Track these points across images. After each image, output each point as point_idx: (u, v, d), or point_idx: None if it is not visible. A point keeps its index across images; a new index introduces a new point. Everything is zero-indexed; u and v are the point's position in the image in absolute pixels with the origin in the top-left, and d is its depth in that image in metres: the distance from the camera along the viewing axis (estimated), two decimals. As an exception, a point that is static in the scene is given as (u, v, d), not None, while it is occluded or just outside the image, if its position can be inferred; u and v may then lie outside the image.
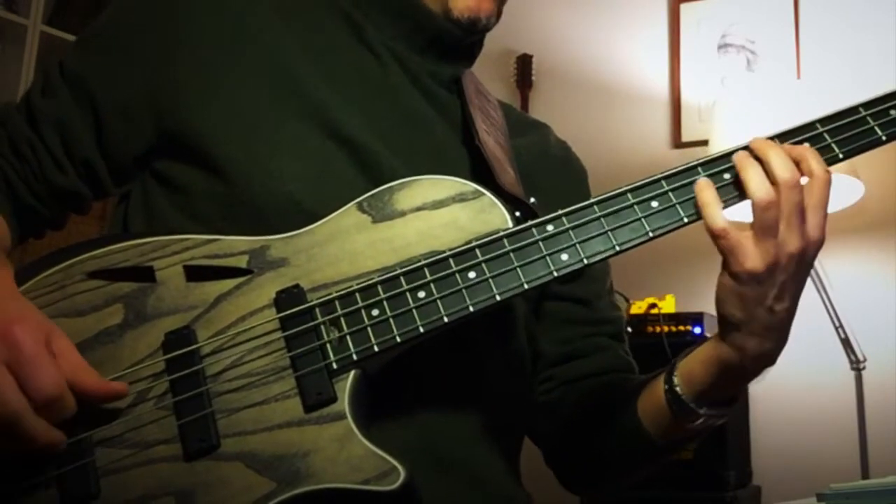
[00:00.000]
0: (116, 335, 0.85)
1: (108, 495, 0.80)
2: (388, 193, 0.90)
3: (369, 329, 0.84)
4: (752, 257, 0.84)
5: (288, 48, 1.00)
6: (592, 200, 0.88)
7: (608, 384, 1.06)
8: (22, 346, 0.76)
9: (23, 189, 0.97)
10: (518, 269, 0.86)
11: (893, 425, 2.39)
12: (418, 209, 0.89)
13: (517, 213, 0.92)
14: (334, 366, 0.83)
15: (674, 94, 3.00)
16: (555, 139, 1.21)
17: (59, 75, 1.00)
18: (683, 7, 3.03)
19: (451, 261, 0.86)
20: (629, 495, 1.61)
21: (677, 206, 0.88)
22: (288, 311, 0.85)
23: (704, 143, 2.60)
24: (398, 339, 0.84)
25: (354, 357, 0.83)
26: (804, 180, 0.86)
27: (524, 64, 3.18)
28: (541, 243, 0.87)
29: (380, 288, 0.85)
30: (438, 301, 0.85)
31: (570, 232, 0.87)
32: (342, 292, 0.86)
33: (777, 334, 0.88)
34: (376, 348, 0.84)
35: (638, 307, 2.47)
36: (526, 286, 0.85)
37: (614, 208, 0.88)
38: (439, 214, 0.89)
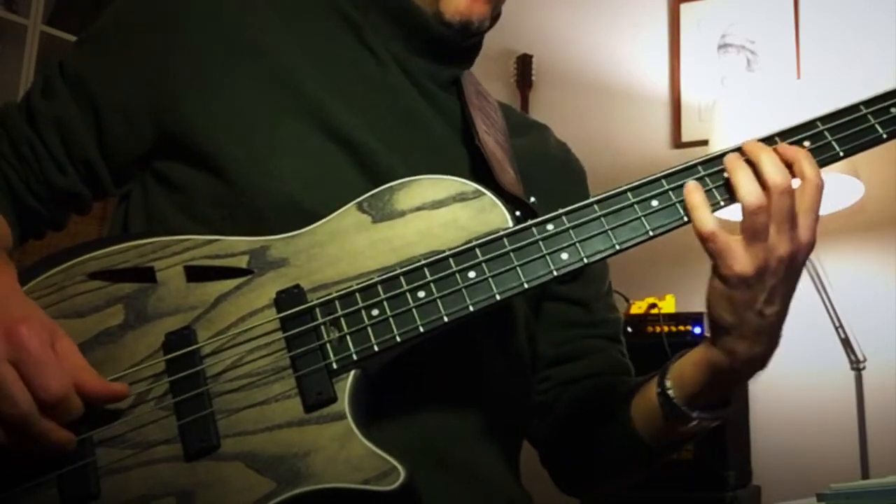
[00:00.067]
0: (117, 336, 0.85)
1: (108, 495, 0.80)
2: (388, 193, 0.90)
3: (369, 329, 0.84)
4: (742, 261, 0.83)
5: (287, 49, 1.01)
6: (592, 199, 0.88)
7: (602, 386, 1.06)
8: (28, 346, 0.76)
9: (23, 190, 0.97)
10: (518, 269, 0.86)
11: (893, 425, 2.39)
12: (418, 209, 0.89)
13: (517, 213, 0.92)
14: (334, 366, 0.83)
15: (674, 94, 2.99)
16: (554, 140, 1.21)
17: (60, 76, 1.00)
18: (683, 7, 3.03)
19: (451, 260, 0.86)
20: (629, 495, 1.60)
21: (677, 204, 0.87)
22: (288, 312, 0.85)
23: (704, 143, 2.60)
24: (398, 339, 0.84)
25: (354, 357, 0.83)
26: (796, 183, 0.85)
27: (524, 64, 3.18)
28: (541, 243, 0.87)
29: (380, 288, 0.86)
30: (438, 301, 0.85)
31: (570, 231, 0.87)
32: (342, 292, 0.86)
33: (767, 338, 0.87)
34: (376, 348, 0.84)
35: (638, 307, 2.47)
36: (526, 285, 0.85)
37: (614, 207, 0.88)
38: (439, 214, 0.89)
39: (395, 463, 0.78)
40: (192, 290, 0.87)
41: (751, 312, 0.85)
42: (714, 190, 0.88)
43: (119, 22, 1.03)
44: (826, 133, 0.91)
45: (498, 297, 0.85)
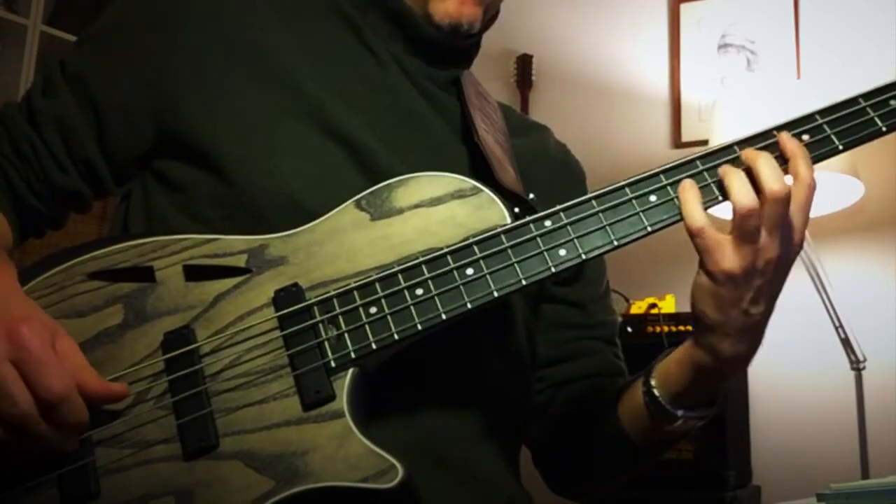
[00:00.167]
0: (116, 335, 0.85)
1: (107, 495, 0.80)
2: (386, 191, 0.90)
3: (367, 327, 0.84)
4: (730, 259, 0.83)
5: (287, 48, 1.01)
6: (591, 195, 0.88)
7: (594, 387, 1.06)
8: (29, 345, 0.76)
9: (24, 188, 0.97)
10: (516, 266, 0.86)
11: (893, 425, 2.39)
12: (416, 206, 0.89)
13: (516, 210, 0.92)
14: (332, 364, 0.83)
15: (674, 94, 2.99)
16: (554, 141, 1.21)
17: (60, 75, 1.01)
18: (683, 7, 3.03)
19: (448, 258, 0.86)
20: (629, 495, 1.60)
21: (675, 200, 0.87)
22: (286, 310, 0.85)
23: (704, 143, 2.60)
24: (396, 337, 0.84)
25: (352, 355, 0.83)
26: (788, 180, 0.85)
27: (524, 64, 3.18)
28: (538, 239, 0.87)
29: (378, 286, 0.85)
30: (436, 298, 0.85)
31: (568, 227, 0.87)
32: (340, 290, 0.86)
33: (751, 336, 0.87)
34: (374, 346, 0.84)
35: (638, 307, 2.47)
36: (524, 282, 0.85)
37: (612, 203, 0.88)
38: (437, 211, 0.89)
39: (394, 461, 0.78)
40: (191, 290, 0.87)
41: (736, 310, 0.85)
42: (712, 185, 0.88)
43: (119, 22, 1.03)
44: (825, 126, 0.90)
45: (496, 294, 0.85)
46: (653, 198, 0.88)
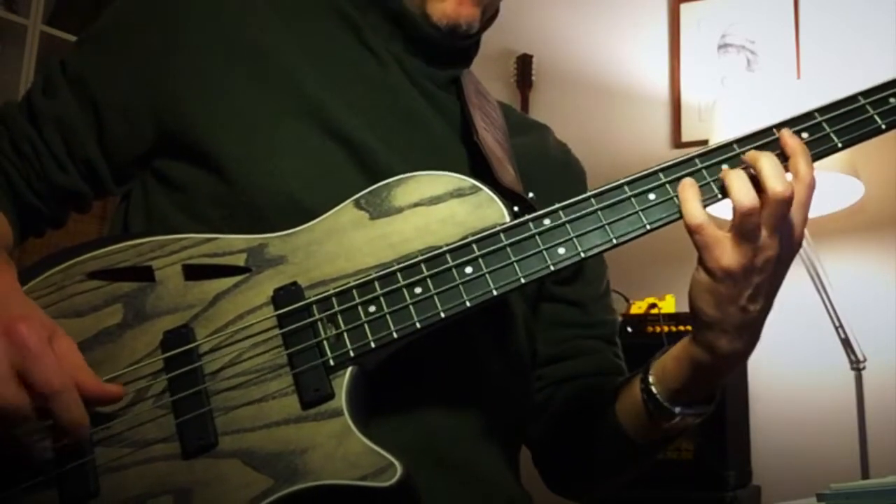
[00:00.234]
0: (116, 335, 0.85)
1: (107, 494, 0.80)
2: (385, 190, 0.90)
3: (366, 326, 0.84)
4: (729, 256, 0.83)
5: (287, 48, 1.01)
6: (590, 193, 0.88)
7: (592, 386, 1.06)
8: (28, 343, 0.76)
9: (24, 187, 0.97)
10: (515, 264, 0.86)
11: (893, 425, 2.39)
12: (415, 205, 0.89)
13: (515, 209, 0.92)
14: (331, 362, 0.83)
15: (674, 94, 3.00)
16: (554, 141, 1.21)
17: (61, 75, 1.01)
18: (683, 7, 3.03)
19: (447, 256, 0.86)
20: (629, 495, 1.60)
21: (675, 198, 0.87)
22: (285, 309, 0.85)
23: (704, 142, 2.60)
24: (395, 336, 0.84)
25: (351, 354, 0.83)
26: (788, 177, 0.85)
27: (524, 64, 3.18)
28: (537, 237, 0.87)
29: (377, 284, 0.86)
30: (435, 297, 0.85)
31: (567, 226, 0.87)
32: (339, 289, 0.86)
33: (749, 333, 0.87)
34: (373, 345, 0.84)
35: (638, 307, 2.47)
36: (523, 280, 0.85)
37: (611, 201, 0.88)
38: (437, 210, 0.89)
39: (392, 459, 0.78)
40: (191, 289, 0.87)
41: (734, 307, 0.85)
42: (712, 183, 0.88)
43: (119, 22, 1.03)
44: (824, 124, 0.90)
45: (495, 293, 0.85)
46: (652, 196, 0.88)
